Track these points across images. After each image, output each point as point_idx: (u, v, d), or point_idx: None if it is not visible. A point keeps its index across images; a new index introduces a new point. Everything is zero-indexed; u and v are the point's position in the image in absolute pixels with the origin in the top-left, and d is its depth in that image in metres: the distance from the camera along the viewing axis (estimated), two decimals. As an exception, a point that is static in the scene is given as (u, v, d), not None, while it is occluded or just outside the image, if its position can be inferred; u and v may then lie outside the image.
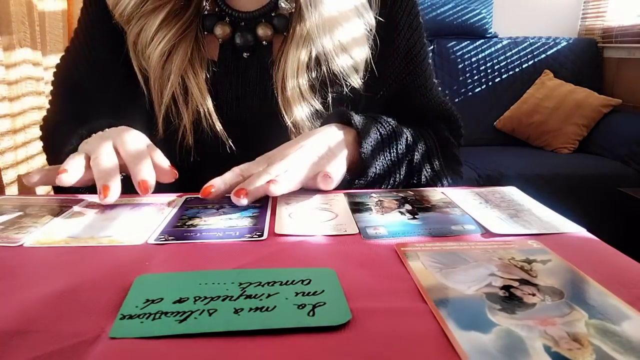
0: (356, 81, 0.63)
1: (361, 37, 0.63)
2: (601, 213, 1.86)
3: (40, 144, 0.70)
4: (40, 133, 0.70)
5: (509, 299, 0.30)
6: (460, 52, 2.46)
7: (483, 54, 2.46)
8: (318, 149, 0.52)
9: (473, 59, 2.45)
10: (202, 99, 0.60)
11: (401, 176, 0.57)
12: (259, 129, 0.63)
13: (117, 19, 0.61)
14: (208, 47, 0.63)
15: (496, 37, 2.51)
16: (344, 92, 0.63)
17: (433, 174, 0.60)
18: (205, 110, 0.60)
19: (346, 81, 0.62)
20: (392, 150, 0.57)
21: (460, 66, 2.44)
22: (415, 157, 0.59)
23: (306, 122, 0.61)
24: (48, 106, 0.71)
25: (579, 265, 0.35)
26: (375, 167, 0.55)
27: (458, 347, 0.25)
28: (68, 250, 0.38)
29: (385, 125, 0.58)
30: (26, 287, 0.32)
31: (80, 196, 0.51)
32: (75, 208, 0.47)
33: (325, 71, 0.61)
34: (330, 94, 0.62)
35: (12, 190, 1.31)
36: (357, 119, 0.57)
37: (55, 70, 0.69)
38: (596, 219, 1.68)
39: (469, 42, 2.47)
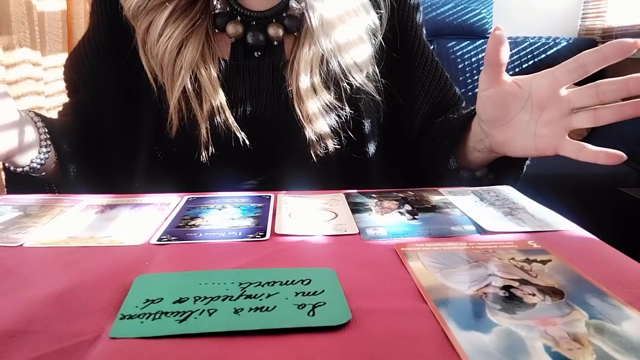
0: (360, 79, 0.64)
1: (364, 36, 0.64)
2: (601, 213, 1.85)
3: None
4: None
5: (509, 299, 0.30)
6: (460, 52, 2.45)
7: (483, 54, 2.43)
8: None
9: (473, 59, 2.45)
10: (215, 93, 0.60)
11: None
12: (273, 125, 0.63)
13: (125, 13, 0.61)
14: (219, 45, 0.63)
15: (496, 37, 2.51)
16: (354, 88, 0.64)
17: None
18: (218, 104, 0.60)
19: (352, 78, 0.63)
20: None
21: (460, 66, 2.44)
22: None
23: (319, 117, 0.61)
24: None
25: (579, 265, 0.35)
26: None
27: (458, 347, 0.25)
28: (68, 250, 0.38)
29: None
30: (26, 287, 0.32)
31: (81, 196, 0.51)
32: (76, 208, 0.47)
33: (335, 68, 0.62)
34: (342, 90, 0.63)
35: (12, 190, 1.30)
36: None
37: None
38: (596, 219, 1.68)
39: (469, 42, 2.46)
